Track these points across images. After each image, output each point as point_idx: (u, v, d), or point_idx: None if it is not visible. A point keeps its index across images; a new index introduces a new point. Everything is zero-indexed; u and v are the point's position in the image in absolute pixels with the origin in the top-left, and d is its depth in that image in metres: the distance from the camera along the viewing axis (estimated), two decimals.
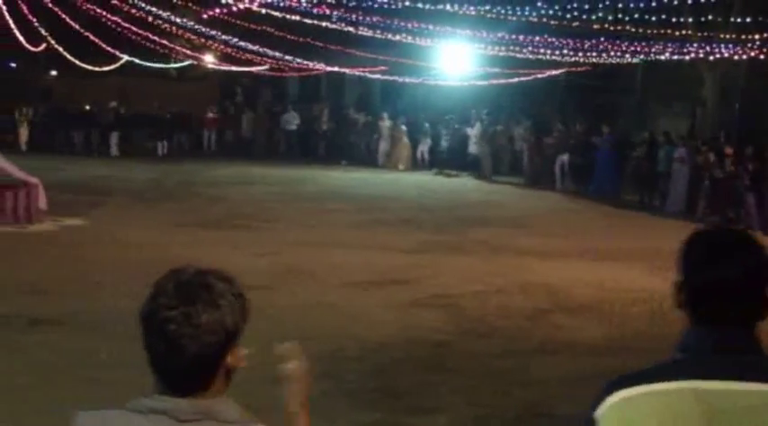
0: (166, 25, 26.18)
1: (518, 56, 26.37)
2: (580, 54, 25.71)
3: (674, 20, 21.88)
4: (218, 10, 23.69)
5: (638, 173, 23.35)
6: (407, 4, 21.33)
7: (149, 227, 15.63)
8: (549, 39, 24.66)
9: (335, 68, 30.89)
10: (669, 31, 22.67)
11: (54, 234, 14.86)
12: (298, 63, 29.52)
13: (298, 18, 23.18)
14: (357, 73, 31.89)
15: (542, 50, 25.91)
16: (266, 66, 31.92)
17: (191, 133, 36.96)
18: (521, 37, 24.54)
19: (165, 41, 28.93)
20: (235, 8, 22.61)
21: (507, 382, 7.71)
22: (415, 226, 17.07)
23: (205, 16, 25.68)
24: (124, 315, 9.18)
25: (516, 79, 29.16)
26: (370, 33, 24.54)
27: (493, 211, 20.25)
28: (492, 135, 29.15)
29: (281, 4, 22.09)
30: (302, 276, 11.85)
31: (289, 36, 26.09)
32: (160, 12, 24.46)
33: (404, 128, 31.91)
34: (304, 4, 22.00)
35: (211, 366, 2.09)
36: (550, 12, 21.79)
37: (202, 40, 29.34)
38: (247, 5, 21.93)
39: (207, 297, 2.07)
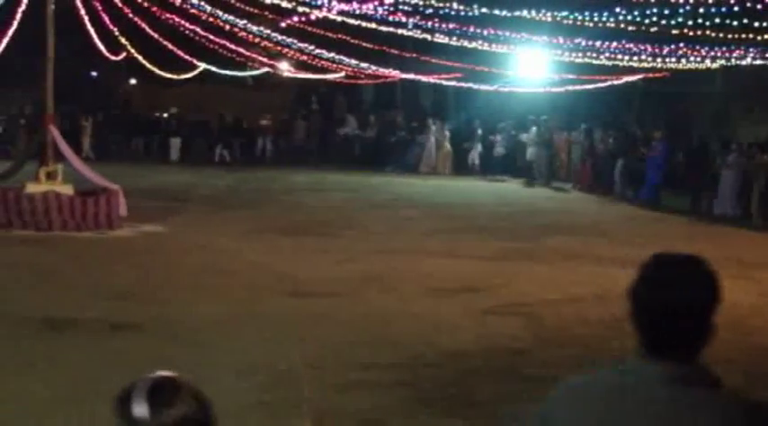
0: (243, 34, 26.43)
1: (594, 62, 26.12)
2: (658, 60, 25.38)
3: (755, 24, 21.46)
4: (295, 18, 23.83)
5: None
6: (484, 10, 21.23)
7: (227, 234, 15.80)
8: (627, 45, 24.37)
9: (410, 76, 30.92)
10: (750, 36, 22.24)
11: (133, 240, 15.10)
12: (373, 70, 29.60)
13: (373, 26, 23.23)
14: (432, 80, 31.85)
15: (619, 56, 25.63)
16: (342, 74, 32.06)
17: (247, 140, 37.39)
18: (597, 43, 24.30)
19: (241, 50, 29.22)
20: (313, 16, 22.74)
21: None
22: (490, 234, 17.00)
23: (283, 24, 25.86)
24: (202, 321, 9.33)
25: (592, 86, 28.88)
26: (445, 40, 24.49)
27: (566, 218, 20.09)
28: (549, 140, 29.05)
29: (357, 12, 22.15)
30: (378, 283, 11.86)
31: (364, 44, 26.18)
32: (237, 20, 24.71)
33: (447, 133, 32.05)
34: (380, 12, 22.03)
35: None
36: (629, 17, 21.52)
37: (279, 49, 29.53)
38: (325, 14, 22.03)
39: None
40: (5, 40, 23.97)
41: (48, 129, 16.33)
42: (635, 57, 25.58)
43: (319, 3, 21.12)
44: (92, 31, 24.40)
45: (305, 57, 29.17)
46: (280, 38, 26.78)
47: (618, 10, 21.43)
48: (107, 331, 8.80)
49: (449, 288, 11.66)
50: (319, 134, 36.90)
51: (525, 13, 21.42)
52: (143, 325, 9.01)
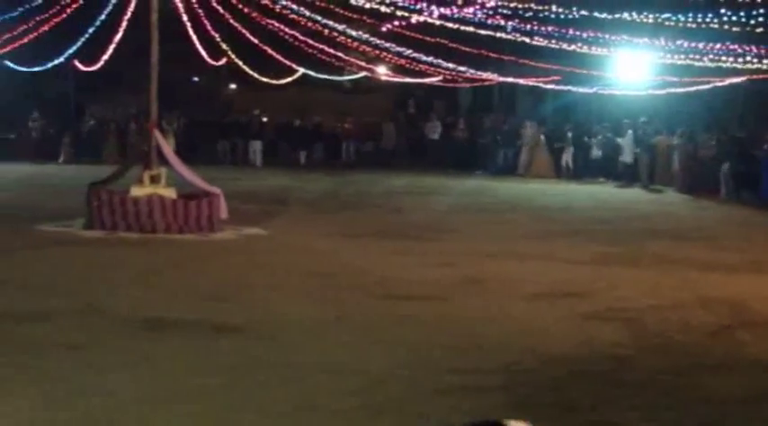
0: (342, 38, 26.65)
1: (697, 64, 25.64)
2: (765, 61, 24.79)
3: None
4: (396, 23, 23.94)
5: None
6: (584, 13, 21.04)
7: (327, 237, 15.95)
8: (731, 46, 23.86)
9: (508, 79, 30.78)
10: None
11: (234, 242, 15.34)
12: (471, 74, 29.55)
13: (472, 29, 23.20)
14: (530, 83, 31.66)
15: (723, 58, 25.10)
16: (439, 78, 32.07)
17: (329, 143, 37.68)
18: (700, 44, 23.85)
19: (340, 54, 29.46)
20: (414, 20, 22.81)
21: (686, 399, 7.49)
22: (589, 237, 16.81)
23: (384, 29, 26.00)
24: (301, 324, 9.44)
25: (694, 88, 28.35)
26: (544, 43, 24.32)
27: (667, 222, 19.77)
28: (650, 143, 28.65)
29: (456, 16, 22.16)
30: (478, 287, 11.84)
31: (462, 47, 26.15)
32: (336, 25, 24.92)
33: (543, 137, 31.84)
34: (479, 16, 22.00)
35: None
36: (733, 18, 21.08)
37: (376, 53, 29.69)
38: (425, 18, 22.09)
39: None
40: (112, 47, 24.63)
41: (152, 134, 16.68)
42: (739, 59, 25.03)
43: (418, 7, 21.19)
44: (194, 37, 24.88)
45: (402, 61, 29.27)
46: (378, 42, 26.93)
47: (722, 11, 21.01)
48: (209, 332, 8.95)
49: (547, 293, 11.57)
50: (408, 137, 37.06)
51: (626, 15, 21.15)
52: (243, 327, 9.15)
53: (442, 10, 21.45)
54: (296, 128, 38.53)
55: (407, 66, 29.89)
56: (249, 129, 37.23)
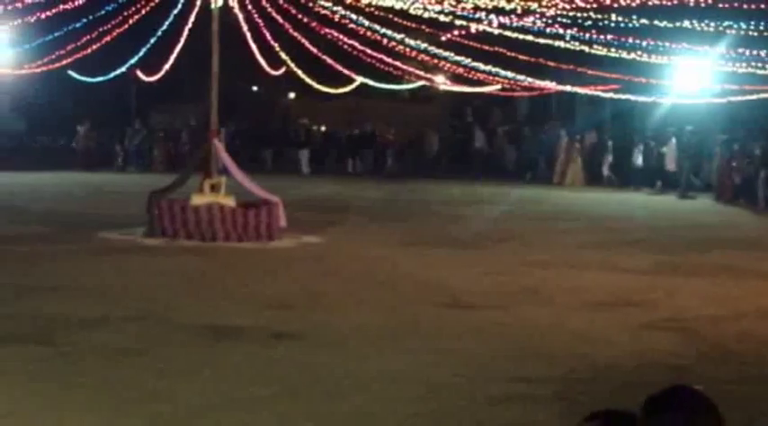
0: (400, 48, 26.71)
1: (759, 72, 25.32)
2: None
3: None
4: (456, 32, 23.97)
5: None
6: (644, 21, 20.90)
7: (385, 245, 16.01)
8: None
9: (566, 88, 30.62)
10: None
11: (293, 251, 15.46)
12: (529, 83, 29.45)
13: (530, 38, 23.15)
14: (588, 92, 31.47)
15: None
16: (498, 87, 31.99)
17: (378, 151, 37.86)
18: (762, 52, 23.56)
19: (398, 63, 29.52)
20: (474, 30, 22.83)
21: (745, 410, 7.42)
22: (645, 246, 16.68)
23: (444, 38, 26.03)
24: (360, 331, 9.50)
25: (756, 96, 27.98)
26: (603, 52, 24.18)
27: (724, 232, 19.55)
28: (693, 152, 28.53)
29: (515, 25, 22.13)
30: (536, 296, 11.82)
31: (521, 56, 26.07)
32: (395, 34, 24.99)
33: (578, 145, 31.89)
34: (538, 24, 21.95)
35: None
36: None
37: (435, 62, 29.71)
38: (484, 27, 22.09)
39: None
40: (173, 57, 24.95)
41: (212, 143, 16.88)
42: None
43: (477, 16, 21.20)
44: (254, 46, 25.10)
45: (461, 70, 29.24)
46: (436, 51, 26.95)
47: None
48: (269, 340, 9.05)
49: (604, 302, 11.52)
50: (451, 146, 37.28)
51: (687, 23, 20.97)
52: (303, 335, 9.23)
53: (501, 19, 21.42)
54: (345, 136, 38.89)
55: (466, 75, 29.86)
56: (296, 138, 37.55)
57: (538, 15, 20.93)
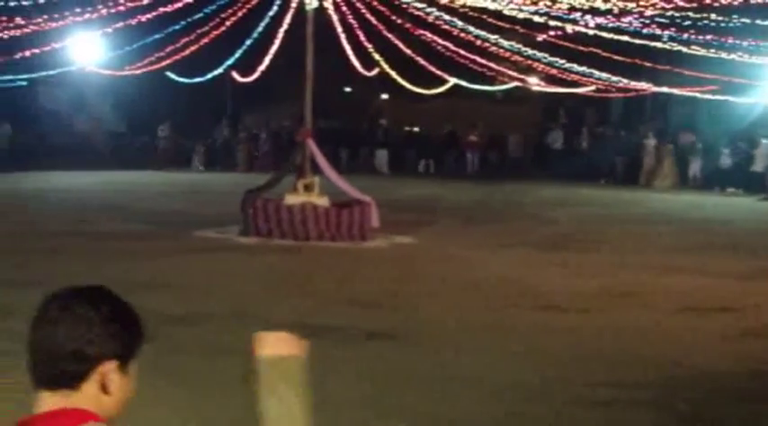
0: (494, 48, 26.60)
1: None
2: None
3: None
4: (552, 33, 23.81)
5: None
6: (745, 20, 20.47)
7: (476, 247, 15.98)
8: None
9: (663, 89, 30.16)
10: None
11: (386, 251, 15.53)
12: (624, 84, 29.08)
13: (626, 38, 22.86)
14: (685, 93, 30.96)
15: None
16: (592, 88, 31.66)
17: (456, 153, 37.75)
18: None
19: (492, 64, 29.41)
20: (570, 30, 22.65)
21: None
22: (742, 251, 16.35)
23: (540, 39, 25.87)
24: (451, 331, 9.51)
25: None
26: (701, 52, 23.75)
27: None
28: None
29: (610, 25, 21.88)
30: (627, 299, 11.68)
31: (616, 57, 25.76)
32: (489, 35, 24.91)
33: (670, 146, 31.49)
34: (635, 25, 21.66)
35: None
36: None
37: (528, 63, 29.53)
38: (580, 28, 21.89)
39: None
40: (268, 59, 25.26)
41: (306, 143, 17.02)
42: None
43: (572, 17, 21.01)
44: (347, 48, 25.26)
45: (554, 71, 29.02)
46: (530, 52, 26.80)
47: None
48: (361, 338, 9.11)
49: (701, 307, 11.32)
50: (533, 148, 37.06)
51: None
52: (394, 334, 9.27)
53: (598, 20, 21.19)
54: (422, 136, 38.96)
55: (560, 76, 29.62)
56: (374, 138, 37.64)
57: (636, 15, 20.62)
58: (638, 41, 23.07)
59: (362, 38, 25.09)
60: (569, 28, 22.46)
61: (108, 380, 2.03)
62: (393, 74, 28.74)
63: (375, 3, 22.21)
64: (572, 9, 20.31)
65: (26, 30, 23.61)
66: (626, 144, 34.25)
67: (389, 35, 24.94)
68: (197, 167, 37.29)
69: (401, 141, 39.58)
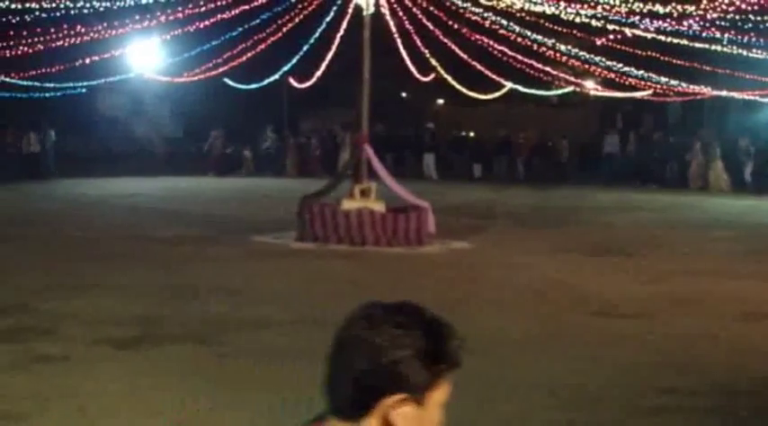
0: (551, 53, 26.48)
1: None
2: None
3: None
4: (611, 36, 23.64)
5: None
6: None
7: (531, 251, 15.88)
8: None
9: (722, 92, 29.82)
10: None
11: (443, 256, 15.47)
12: (682, 88, 28.79)
13: (685, 42, 22.62)
14: (745, 97, 30.57)
15: None
16: (649, 92, 31.39)
17: (509, 157, 37.60)
18: None
19: (548, 69, 29.28)
20: (630, 34, 22.47)
21: None
22: None
23: (599, 43, 25.71)
24: (509, 338, 9.44)
25: None
26: (763, 55, 23.42)
27: None
28: None
29: (668, 29, 21.67)
30: (686, 305, 11.51)
31: (674, 60, 25.52)
32: (545, 40, 24.80)
33: (717, 150, 31.14)
34: (695, 28, 21.43)
35: None
36: None
37: (585, 67, 29.35)
38: (640, 32, 21.70)
39: None
40: (324, 64, 25.37)
41: (362, 148, 17.03)
42: None
43: (630, 20, 20.84)
44: (404, 53, 25.29)
45: (612, 75, 28.82)
46: (587, 56, 26.63)
47: None
48: None
49: (759, 313, 11.13)
50: (581, 152, 36.85)
51: None
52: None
53: (657, 23, 20.99)
54: (473, 140, 38.88)
55: (617, 80, 29.41)
56: (421, 142, 37.59)
57: (697, 19, 20.39)
58: (697, 45, 22.81)
59: (419, 43, 25.10)
60: (628, 32, 22.26)
61: (395, 415, 1.79)
62: (449, 79, 28.73)
63: (432, 8, 22.21)
64: (631, 12, 20.12)
65: (86, 37, 23.95)
66: (675, 148, 34.01)
67: (446, 40, 24.93)
68: (245, 172, 37.55)
69: (450, 145, 39.56)
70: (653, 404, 7.37)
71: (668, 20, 20.97)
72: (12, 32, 24.08)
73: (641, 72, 26.89)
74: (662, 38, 22.55)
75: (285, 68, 28.89)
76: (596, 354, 8.87)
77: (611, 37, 23.96)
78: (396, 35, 22.94)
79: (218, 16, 22.80)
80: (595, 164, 35.61)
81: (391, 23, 21.14)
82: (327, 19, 23.25)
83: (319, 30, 24.37)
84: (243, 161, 38.21)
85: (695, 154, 32.18)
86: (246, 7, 21.97)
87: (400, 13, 21.40)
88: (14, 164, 32.91)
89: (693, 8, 19.86)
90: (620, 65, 26.56)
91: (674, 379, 8.12)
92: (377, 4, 17.86)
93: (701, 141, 32.37)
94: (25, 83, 30.87)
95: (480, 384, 7.80)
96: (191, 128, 41.50)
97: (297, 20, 23.81)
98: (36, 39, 24.12)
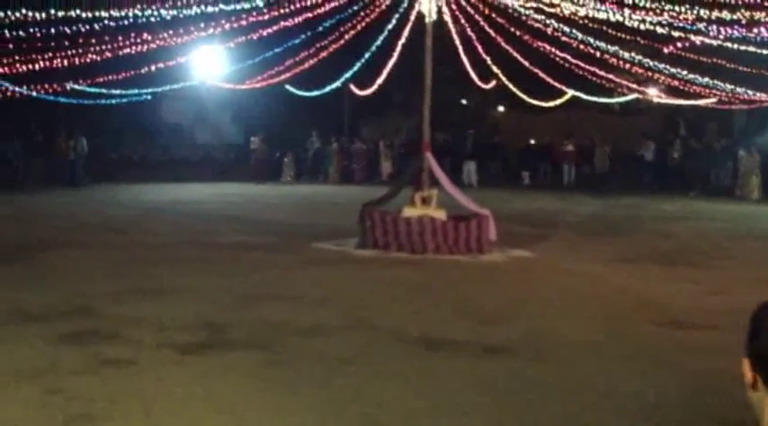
0: (614, 60, 26.29)
1: None
2: None
3: None
4: (679, 44, 23.42)
5: None
6: None
7: (594, 260, 15.78)
8: None
9: None
10: None
11: (504, 264, 15.42)
12: (749, 96, 28.41)
13: (752, 49, 22.32)
14: None
15: None
16: (714, 99, 31.05)
17: (552, 165, 37.42)
18: None
19: (611, 76, 29.08)
20: (698, 42, 22.25)
21: None
22: None
23: (666, 51, 25.48)
24: (570, 345, 9.39)
25: None
26: None
27: None
28: None
29: (736, 36, 21.40)
30: None
31: (741, 68, 25.20)
32: (608, 47, 24.63)
33: (757, 157, 30.82)
34: (764, 34, 21.13)
35: None
36: None
37: (649, 74, 29.09)
38: (707, 40, 21.47)
39: None
40: (386, 72, 25.44)
41: (423, 155, 17.04)
42: None
43: (695, 27, 20.62)
44: (465, 60, 25.27)
45: (676, 83, 28.53)
46: (651, 63, 26.39)
47: None
48: (479, 352, 9.06)
49: None
50: (622, 159, 36.60)
51: None
52: (515, 348, 9.20)
53: (725, 30, 20.74)
54: (519, 148, 38.78)
55: (681, 87, 29.11)
56: (461, 150, 37.52)
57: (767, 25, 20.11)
58: (765, 52, 22.49)
59: (480, 49, 25.07)
60: (696, 39, 22.03)
61: None
62: (510, 86, 28.65)
63: (494, 15, 22.17)
64: (698, 19, 19.89)
65: (152, 45, 24.29)
66: (722, 155, 33.67)
67: (508, 47, 24.86)
68: (288, 179, 37.75)
69: (493, 153, 39.51)
70: (723, 417, 7.28)
71: (736, 27, 20.70)
72: (81, 40, 24.50)
73: (706, 79, 26.59)
74: (728, 45, 22.28)
75: (347, 75, 29.02)
76: (664, 364, 8.78)
77: (679, 45, 23.71)
78: (457, 42, 22.92)
79: (281, 24, 22.97)
80: (635, 173, 35.53)
81: (453, 30, 21.11)
82: (389, 26, 23.33)
83: (381, 37, 24.46)
84: (284, 167, 38.43)
85: (742, 161, 31.90)
86: (309, 15, 22.12)
87: (462, 20, 21.39)
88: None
89: (763, 14, 19.57)
90: (685, 72, 26.29)
91: (738, 391, 8.00)
92: (439, 12, 17.88)
93: (746, 150, 32.06)
94: (92, 89, 31.38)
95: (536, 389, 7.78)
96: (251, 135, 41.99)
97: (359, 27, 23.91)
98: (104, 47, 24.51)
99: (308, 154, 39.28)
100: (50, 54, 25.67)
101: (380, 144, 39.44)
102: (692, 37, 22.03)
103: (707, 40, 22.14)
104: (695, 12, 19.49)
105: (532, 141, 41.40)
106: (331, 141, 39.09)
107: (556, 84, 28.70)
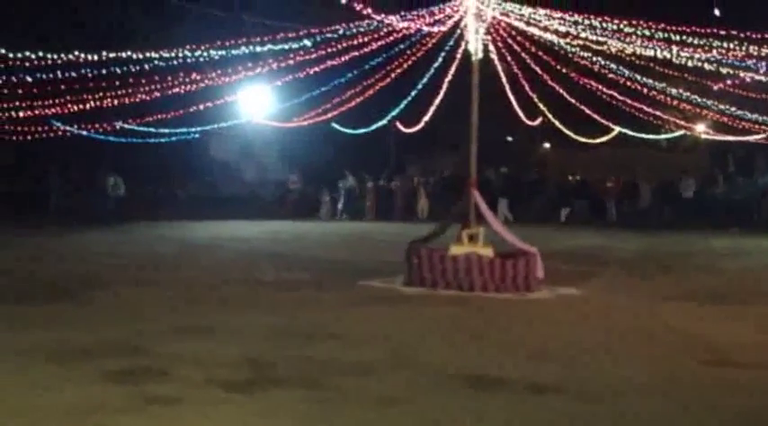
0: (661, 96, 26.17)
1: None
2: None
3: None
4: (728, 82, 23.27)
5: None
6: None
7: (645, 298, 15.61)
8: None
9: None
10: None
11: (551, 302, 15.31)
12: None
13: None
14: None
15: None
16: (763, 135, 30.76)
17: (591, 201, 37.19)
18: None
19: (658, 112, 28.93)
20: (748, 79, 22.09)
21: None
22: None
23: (715, 87, 25.33)
24: (620, 385, 9.27)
25: None
26: None
27: None
28: None
29: None
30: None
31: None
32: (655, 83, 24.52)
33: None
34: None
35: None
36: None
37: (696, 110, 28.91)
38: (758, 76, 21.30)
39: None
40: (432, 109, 25.51)
41: (470, 193, 17.02)
42: None
43: (745, 64, 20.46)
44: (512, 97, 25.27)
45: (724, 119, 28.32)
46: (699, 100, 26.23)
47: None
48: (528, 391, 8.97)
49: None
50: (661, 195, 36.35)
51: None
52: (566, 387, 9.09)
53: None
54: (556, 184, 38.59)
55: (729, 123, 28.88)
56: (494, 186, 37.41)
57: None
58: None
59: (527, 87, 25.07)
60: (746, 76, 21.87)
61: None
62: (557, 123, 28.60)
63: (540, 52, 22.17)
64: (748, 56, 19.73)
65: (201, 85, 24.57)
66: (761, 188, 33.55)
67: (554, 84, 24.84)
68: (323, 217, 37.85)
69: (528, 189, 39.38)
70: None
71: None
72: (131, 80, 24.85)
73: (755, 115, 26.37)
74: None
75: (393, 113, 29.14)
76: (715, 405, 8.63)
77: (730, 82, 23.55)
78: (504, 79, 22.94)
79: (328, 63, 23.14)
80: (677, 209, 35.27)
81: (499, 68, 21.13)
82: (436, 64, 23.42)
83: (428, 75, 24.55)
84: (321, 204, 38.54)
85: None
86: (356, 54, 22.26)
87: (508, 58, 21.41)
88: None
89: None
90: (733, 108, 26.09)
91: None
92: (486, 50, 17.92)
93: None
94: (141, 128, 31.77)
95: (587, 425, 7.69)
96: (291, 173, 42.27)
97: (405, 65, 24.02)
98: (153, 87, 24.83)
99: (340, 192, 39.38)
100: (101, 94, 26.06)
101: (415, 180, 39.55)
102: (742, 73, 21.85)
103: (756, 77, 21.94)
104: (744, 49, 19.34)
105: (570, 177, 41.20)
106: (366, 179, 39.16)
107: (602, 121, 28.61)
